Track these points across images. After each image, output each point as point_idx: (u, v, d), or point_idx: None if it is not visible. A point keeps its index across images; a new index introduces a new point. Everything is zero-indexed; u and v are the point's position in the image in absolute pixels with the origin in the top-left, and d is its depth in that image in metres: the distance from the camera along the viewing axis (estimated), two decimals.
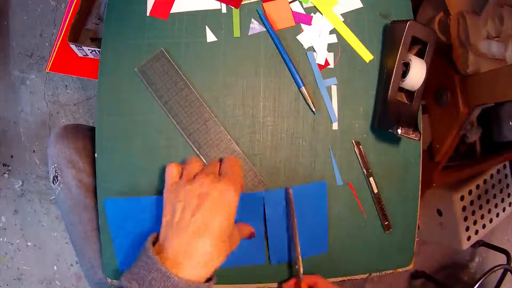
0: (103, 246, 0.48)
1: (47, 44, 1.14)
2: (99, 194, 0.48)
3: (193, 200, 0.37)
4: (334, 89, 0.51)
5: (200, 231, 0.35)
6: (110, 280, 0.49)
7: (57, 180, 0.53)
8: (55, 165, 0.53)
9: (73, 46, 0.74)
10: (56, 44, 0.77)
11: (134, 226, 0.47)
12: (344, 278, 0.52)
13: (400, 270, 0.54)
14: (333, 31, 0.52)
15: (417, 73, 0.49)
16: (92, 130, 0.54)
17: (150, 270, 0.33)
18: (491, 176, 1.15)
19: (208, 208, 0.36)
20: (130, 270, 0.35)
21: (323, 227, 0.51)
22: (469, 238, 1.10)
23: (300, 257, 0.47)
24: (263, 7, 0.50)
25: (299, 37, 0.51)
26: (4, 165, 1.18)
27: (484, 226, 1.14)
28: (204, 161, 0.48)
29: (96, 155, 0.48)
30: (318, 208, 0.51)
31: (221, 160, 0.44)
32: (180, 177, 0.41)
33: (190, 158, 0.43)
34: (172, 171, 0.41)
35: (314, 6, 0.52)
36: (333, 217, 0.51)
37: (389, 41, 0.51)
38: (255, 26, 0.50)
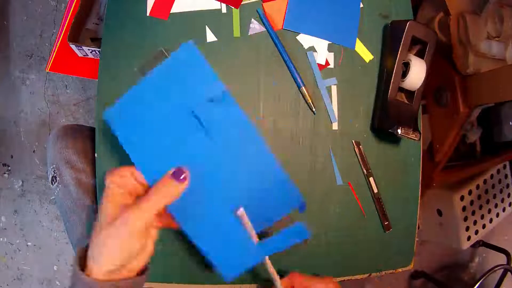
0: None
1: (47, 44, 1.14)
2: (99, 194, 0.48)
3: None
4: (334, 89, 0.51)
5: None
6: None
7: (56, 180, 0.53)
8: (54, 165, 0.53)
9: (73, 46, 0.74)
10: (56, 44, 0.77)
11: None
12: (344, 278, 0.52)
13: (400, 270, 0.54)
14: None
15: (417, 73, 0.49)
16: (91, 130, 0.54)
17: None
18: (491, 176, 1.15)
19: None
20: None
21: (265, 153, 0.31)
22: (469, 238, 1.10)
23: (271, 267, 0.37)
24: (263, 7, 0.50)
25: (299, 37, 0.51)
26: (4, 165, 1.18)
27: (484, 226, 1.14)
28: None
29: (96, 155, 0.48)
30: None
31: None
32: None
33: None
34: None
35: None
36: (333, 217, 0.51)
37: (389, 41, 0.51)
38: (255, 26, 0.50)
